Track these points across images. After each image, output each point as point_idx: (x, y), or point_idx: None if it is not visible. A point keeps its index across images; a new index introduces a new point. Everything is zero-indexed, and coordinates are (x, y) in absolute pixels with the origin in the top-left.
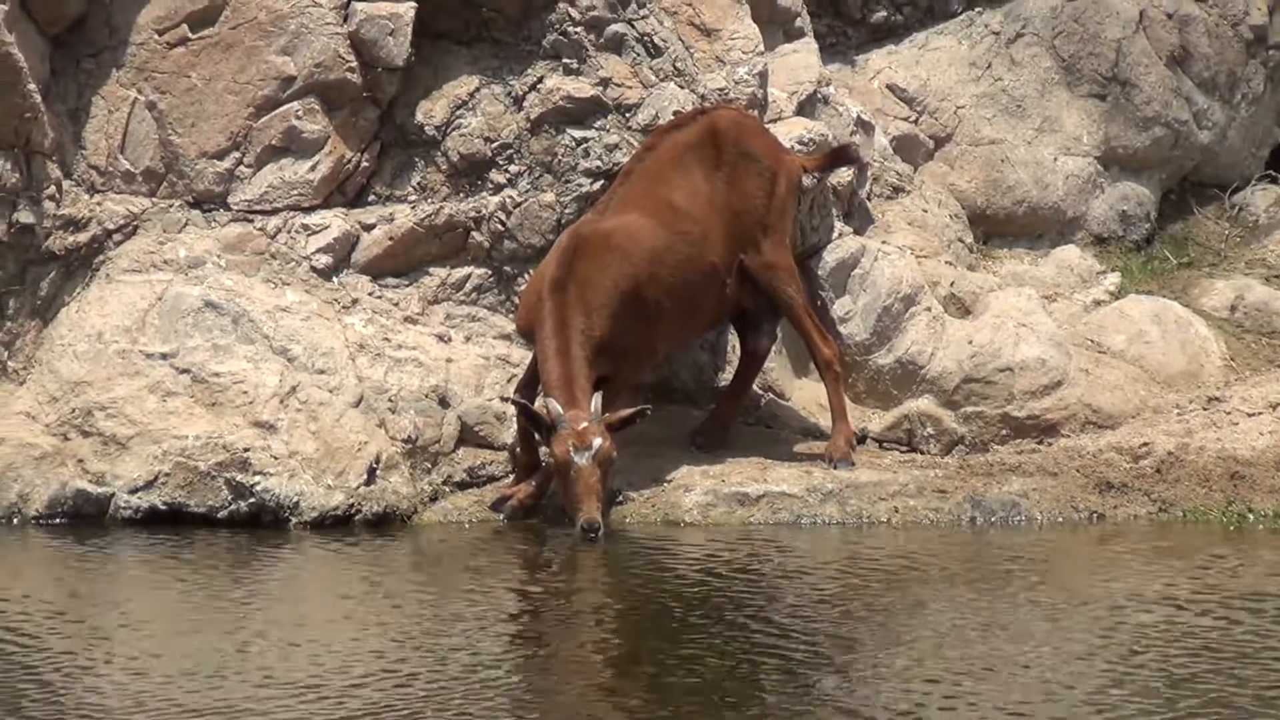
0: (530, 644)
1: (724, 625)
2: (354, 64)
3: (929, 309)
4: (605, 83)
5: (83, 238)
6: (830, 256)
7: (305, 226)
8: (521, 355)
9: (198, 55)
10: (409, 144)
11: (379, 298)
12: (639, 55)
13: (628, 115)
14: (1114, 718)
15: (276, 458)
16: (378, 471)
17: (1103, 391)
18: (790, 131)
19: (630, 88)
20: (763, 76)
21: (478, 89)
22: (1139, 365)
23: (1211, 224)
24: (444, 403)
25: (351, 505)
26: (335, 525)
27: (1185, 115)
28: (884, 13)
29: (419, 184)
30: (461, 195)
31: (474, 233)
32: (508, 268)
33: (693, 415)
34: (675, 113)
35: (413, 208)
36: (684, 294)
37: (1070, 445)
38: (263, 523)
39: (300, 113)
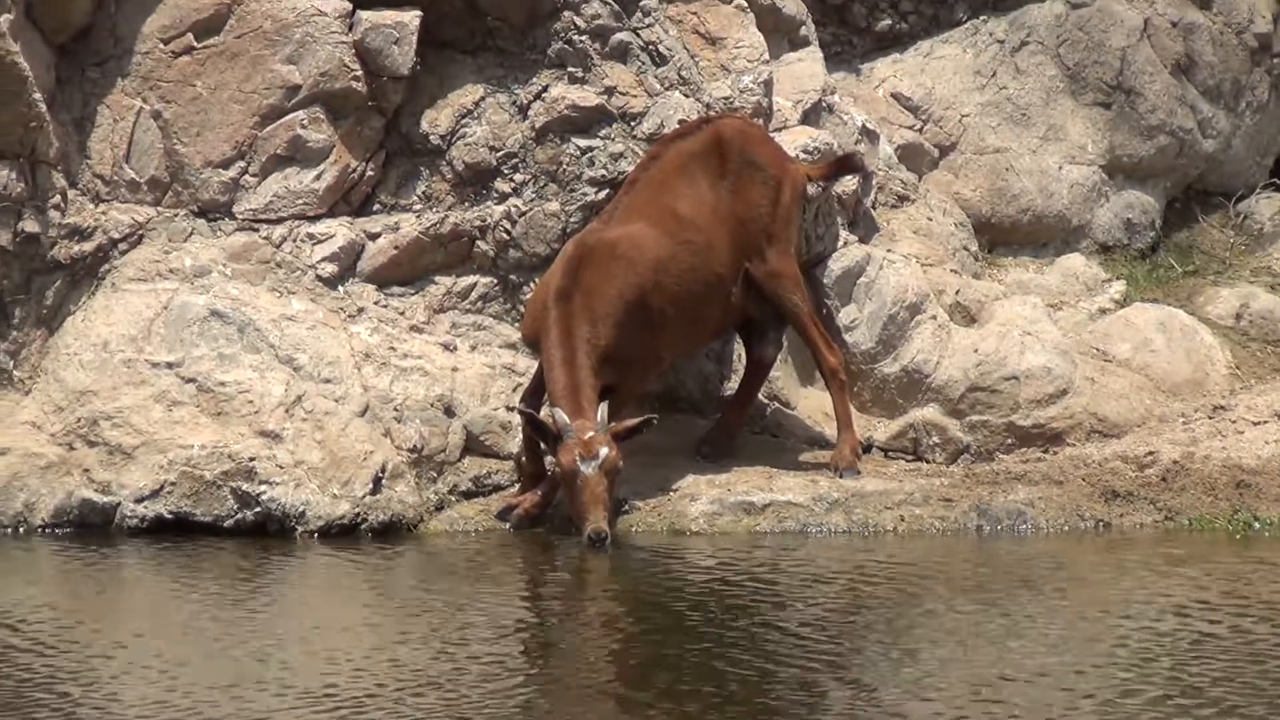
0: (542, 654)
1: (736, 633)
2: (359, 73)
3: (934, 317)
4: (610, 91)
5: (88, 247)
6: (835, 265)
7: (310, 235)
8: (527, 364)
9: (203, 64)
10: (414, 153)
11: (384, 307)
12: (644, 64)
13: (633, 124)
14: None
15: (282, 467)
16: (383, 481)
17: (1108, 400)
18: (795, 140)
19: (635, 96)
20: (768, 85)
21: (483, 98)
22: (1144, 374)
23: (1216, 232)
24: (449, 412)
25: (357, 514)
26: (341, 534)
27: (1190, 124)
28: (889, 21)
29: (424, 193)
30: (466, 204)
31: (479, 242)
32: (513, 277)
33: (698, 424)
34: (680, 121)
35: (418, 217)
36: (689, 303)
37: (1076, 454)
38: (268, 532)
39: (305, 122)
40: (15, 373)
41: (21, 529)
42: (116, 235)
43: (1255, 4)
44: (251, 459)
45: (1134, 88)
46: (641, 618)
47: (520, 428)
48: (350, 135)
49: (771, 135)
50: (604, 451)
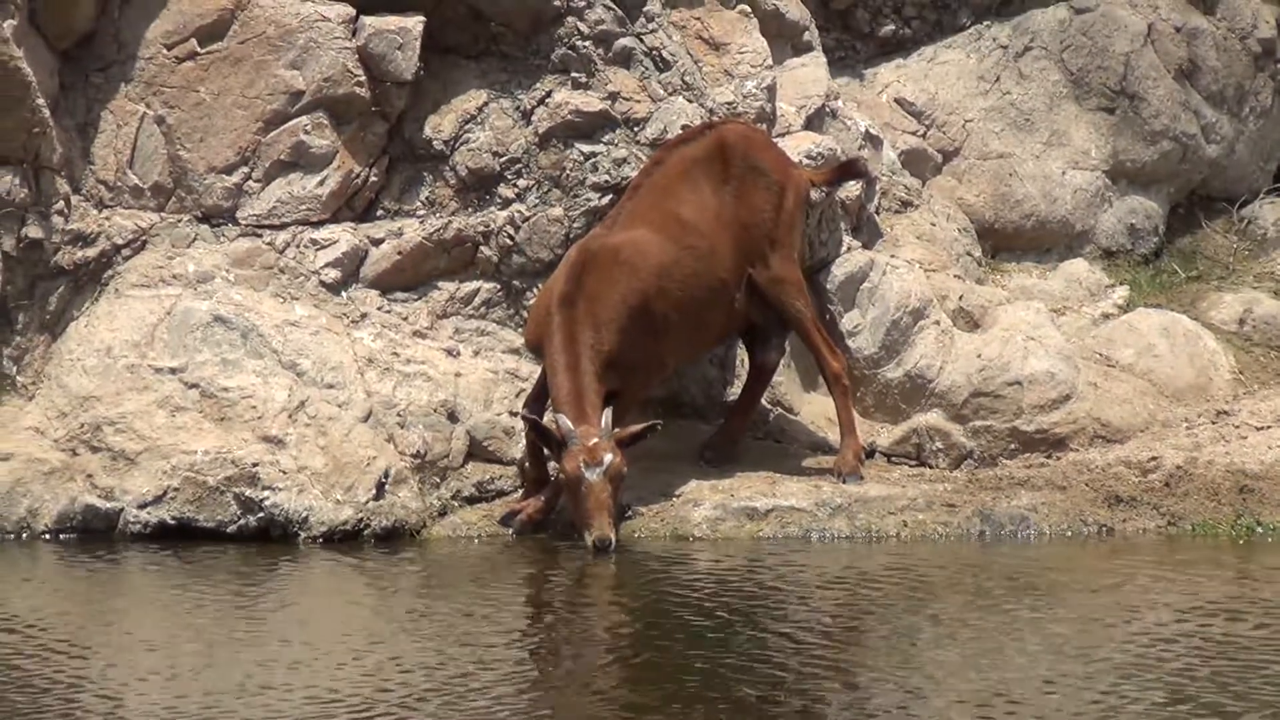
0: (545, 660)
1: (740, 638)
2: (362, 78)
3: (937, 323)
4: (613, 97)
5: (91, 253)
6: (839, 270)
7: (314, 241)
8: (530, 370)
9: (206, 70)
10: (417, 158)
11: (388, 312)
12: (647, 69)
13: (636, 129)
14: None
15: (285, 472)
16: (386, 486)
17: (1111, 405)
18: (798, 145)
19: (639, 102)
20: (771, 91)
21: (486, 103)
22: (1147, 379)
23: (1220, 237)
24: (453, 417)
25: (360, 520)
26: (344, 540)
27: (1193, 129)
28: (892, 26)
29: (427, 198)
30: (470, 210)
31: (482, 247)
32: (516, 282)
33: (702, 430)
34: (683, 127)
35: (421, 222)
36: (692, 308)
37: (1079, 459)
38: (271, 537)
39: (309, 127)
40: (19, 378)
41: (25, 535)
42: (120, 241)
43: (1259, 10)
44: (255, 464)
45: (1137, 93)
46: (645, 623)
47: (524, 433)
48: (354, 141)
49: (775, 141)
50: (608, 457)
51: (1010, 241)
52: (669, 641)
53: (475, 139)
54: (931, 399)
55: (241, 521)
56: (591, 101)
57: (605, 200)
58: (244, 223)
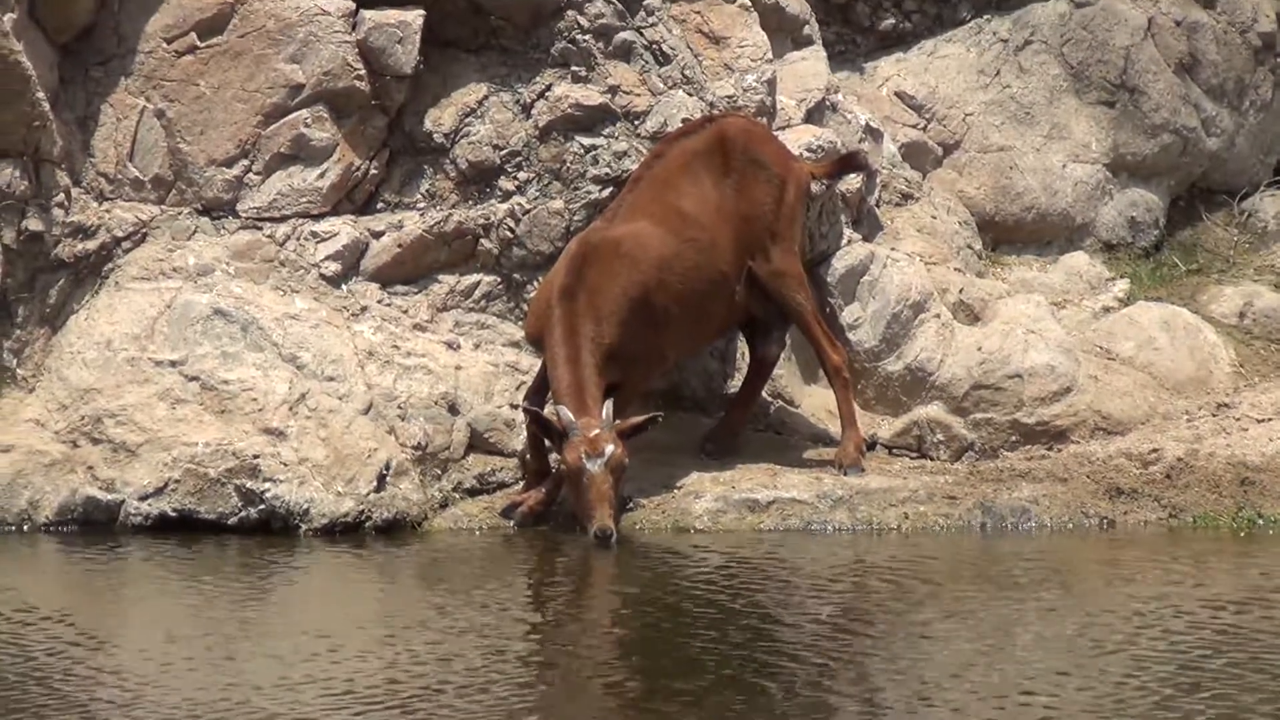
0: (551, 652)
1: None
2: (362, 72)
3: (938, 316)
4: (614, 90)
5: (91, 245)
6: (839, 263)
7: (314, 234)
8: (530, 362)
9: (206, 63)
10: (418, 151)
11: (388, 305)
12: (647, 63)
13: (636, 123)
14: None
15: (286, 464)
16: (388, 478)
17: (1112, 398)
18: (799, 139)
19: (639, 95)
20: (771, 84)
21: (486, 96)
22: (1148, 372)
23: (1220, 230)
24: (453, 410)
25: (361, 512)
26: (345, 532)
27: (1194, 122)
28: (892, 20)
29: (428, 191)
30: (470, 203)
31: (483, 240)
32: (517, 275)
33: (702, 422)
34: (684, 120)
35: (421, 215)
36: (693, 301)
37: (1080, 451)
38: (272, 529)
39: (309, 120)
40: (19, 371)
41: (25, 527)
42: (120, 234)
43: (1259, 3)
44: (255, 457)
45: (1138, 86)
46: (646, 615)
47: (525, 425)
48: (354, 134)
49: (775, 134)
50: (609, 449)
51: (1011, 234)
52: (669, 633)
53: (475, 132)
54: (932, 391)
55: (242, 513)
56: (591, 95)
57: (605, 193)
58: (244, 215)
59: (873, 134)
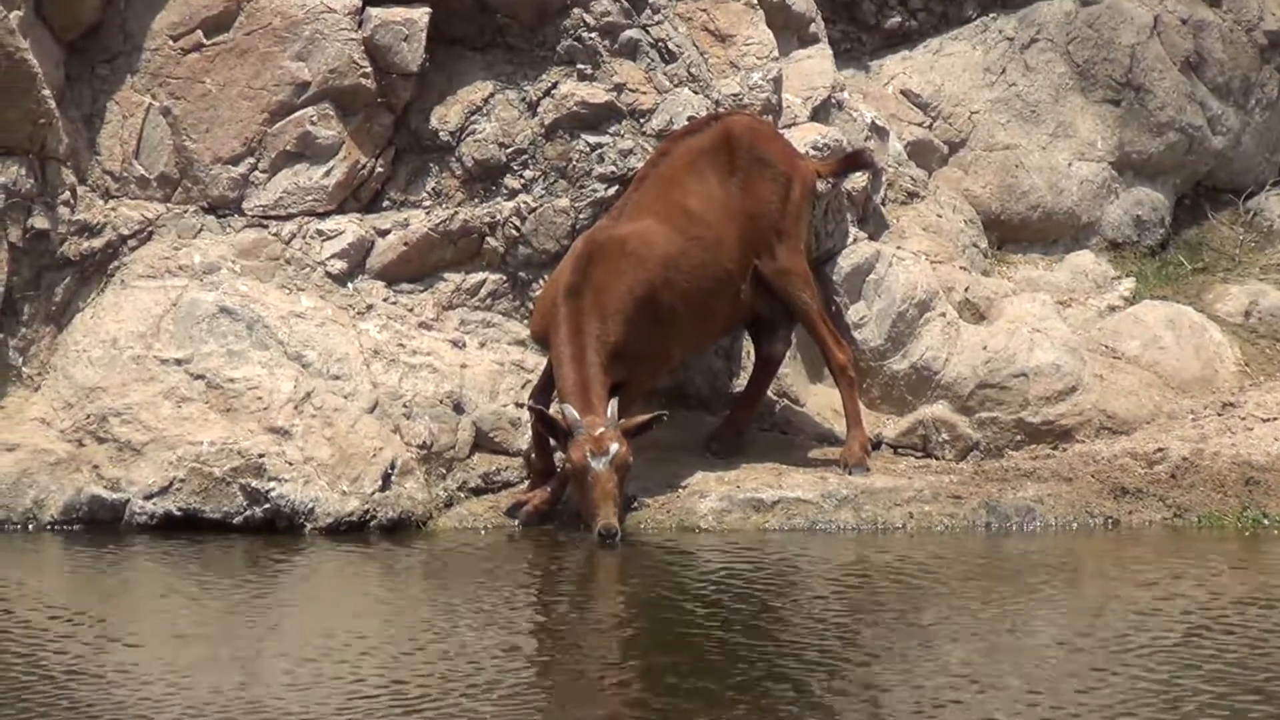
0: (558, 651)
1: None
2: (368, 70)
3: (943, 314)
4: (619, 88)
5: (97, 243)
6: (845, 262)
7: (320, 232)
8: (536, 361)
9: (212, 61)
10: (423, 149)
11: (394, 303)
12: (653, 61)
13: (642, 121)
14: None
15: (291, 463)
16: (393, 477)
17: (1117, 397)
18: (804, 137)
19: (645, 93)
20: (777, 82)
21: (492, 94)
22: (1153, 371)
23: (1226, 229)
24: (459, 408)
25: (366, 511)
26: (350, 531)
27: (1199, 121)
28: (898, 18)
29: (433, 189)
30: (476, 201)
31: (488, 238)
32: (522, 273)
33: (708, 421)
34: (689, 118)
35: (427, 213)
36: (699, 299)
37: (1085, 451)
38: (278, 528)
39: (315, 118)
40: (24, 369)
41: (30, 526)
42: (126, 232)
43: (1265, 2)
44: (261, 455)
45: (1143, 85)
46: (651, 614)
47: (530, 424)
48: (359, 132)
49: (781, 132)
50: (614, 447)
51: (1016, 233)
52: (674, 632)
53: (481, 130)
54: (937, 391)
55: (248, 512)
56: (597, 93)
57: (611, 191)
58: (250, 214)
59: (878, 132)
